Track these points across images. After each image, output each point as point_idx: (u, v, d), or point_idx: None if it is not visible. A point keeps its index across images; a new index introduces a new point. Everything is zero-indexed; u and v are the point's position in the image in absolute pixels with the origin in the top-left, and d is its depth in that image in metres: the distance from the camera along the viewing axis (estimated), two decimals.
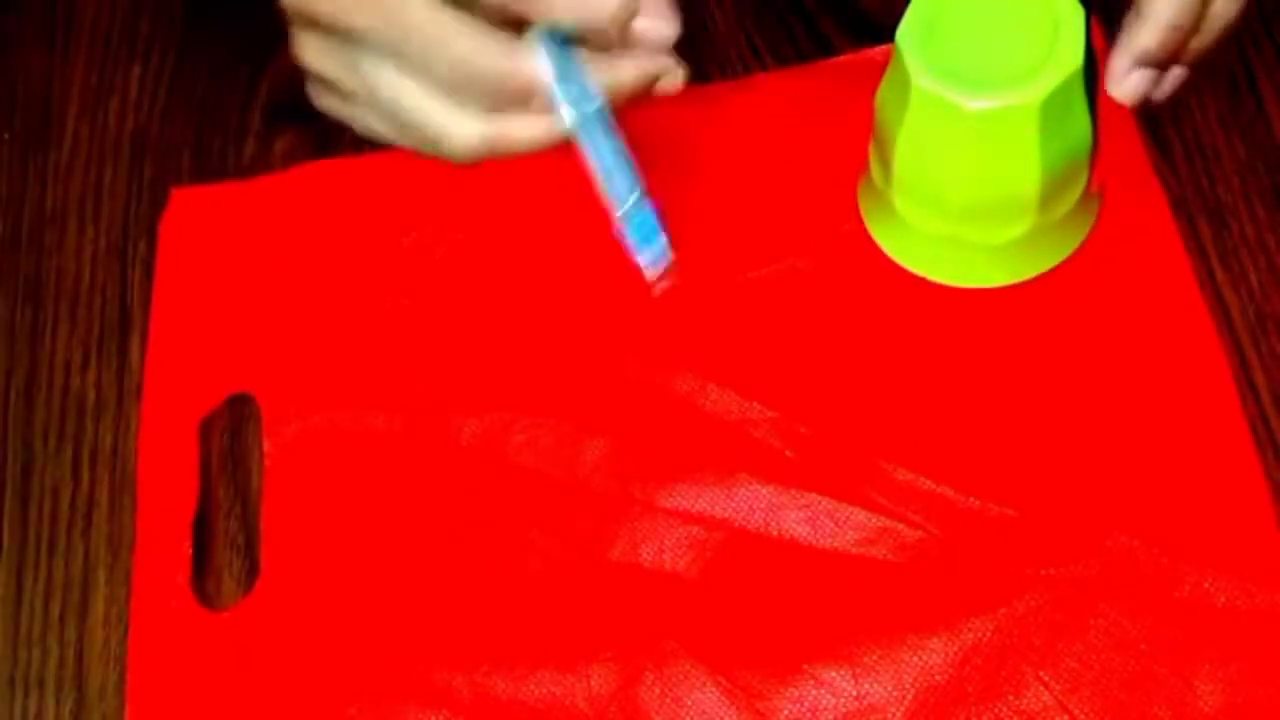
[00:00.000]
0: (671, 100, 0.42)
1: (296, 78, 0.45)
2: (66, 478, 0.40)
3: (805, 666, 0.34)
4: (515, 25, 0.33)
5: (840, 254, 0.39)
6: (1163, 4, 0.35)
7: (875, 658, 0.34)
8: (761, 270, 0.39)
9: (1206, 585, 0.34)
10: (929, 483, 0.36)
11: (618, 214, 0.35)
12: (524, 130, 0.35)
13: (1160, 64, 0.36)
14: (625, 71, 0.34)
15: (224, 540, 0.38)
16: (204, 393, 0.40)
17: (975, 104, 0.34)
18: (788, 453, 0.37)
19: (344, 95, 0.36)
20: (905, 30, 0.35)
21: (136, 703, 0.36)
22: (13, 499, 0.40)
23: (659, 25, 0.34)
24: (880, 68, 0.37)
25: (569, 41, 0.33)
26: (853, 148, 0.40)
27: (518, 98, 0.34)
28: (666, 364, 0.38)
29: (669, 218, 0.41)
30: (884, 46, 0.41)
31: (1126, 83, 0.36)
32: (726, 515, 0.36)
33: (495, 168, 0.42)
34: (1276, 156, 0.39)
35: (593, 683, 0.35)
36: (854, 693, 0.34)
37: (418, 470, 0.38)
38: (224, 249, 0.42)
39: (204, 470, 0.39)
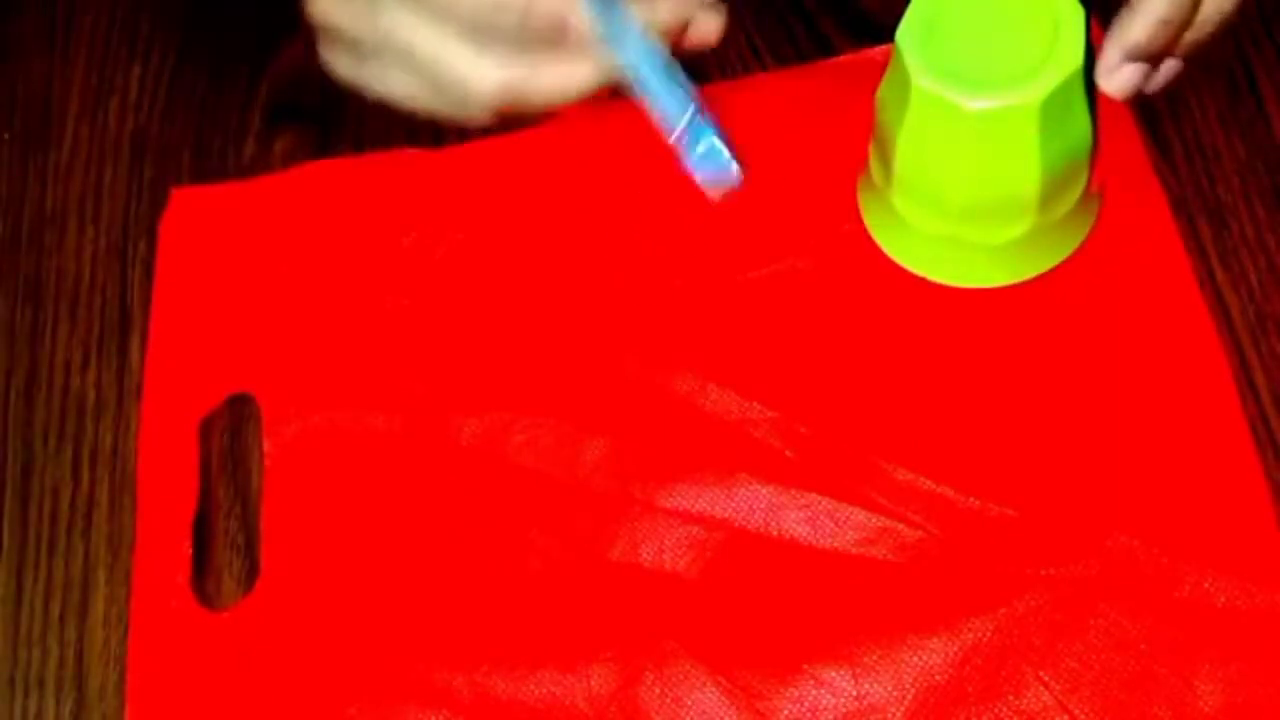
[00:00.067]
0: None
1: (296, 78, 0.46)
2: (66, 478, 0.40)
3: (805, 666, 0.34)
4: None
5: (840, 254, 0.39)
6: None
7: (875, 658, 0.34)
8: (761, 270, 0.39)
9: (1206, 585, 0.34)
10: (929, 483, 0.36)
11: (674, 135, 0.34)
12: (550, 76, 0.33)
13: (1151, 58, 0.36)
14: (662, 10, 0.33)
15: (224, 540, 0.38)
16: (204, 393, 0.40)
17: (975, 104, 0.34)
18: (788, 453, 0.37)
19: (358, 50, 0.34)
20: (905, 30, 0.35)
21: (136, 703, 0.36)
22: (13, 499, 0.40)
23: None
24: (880, 68, 0.37)
25: None
26: (853, 148, 0.40)
27: (546, 33, 0.32)
28: (666, 364, 0.38)
29: (669, 217, 0.41)
30: (884, 46, 0.41)
31: (1118, 76, 0.36)
32: (726, 515, 0.36)
33: (495, 168, 0.42)
34: (1276, 156, 0.39)
35: (593, 683, 0.35)
36: (854, 693, 0.34)
37: (418, 470, 0.38)
38: (224, 249, 0.42)
39: (204, 470, 0.39)
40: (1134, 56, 0.36)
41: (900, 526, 0.35)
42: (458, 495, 0.38)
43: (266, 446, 0.39)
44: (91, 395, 0.41)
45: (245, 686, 0.36)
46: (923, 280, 0.38)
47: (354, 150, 0.44)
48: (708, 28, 0.34)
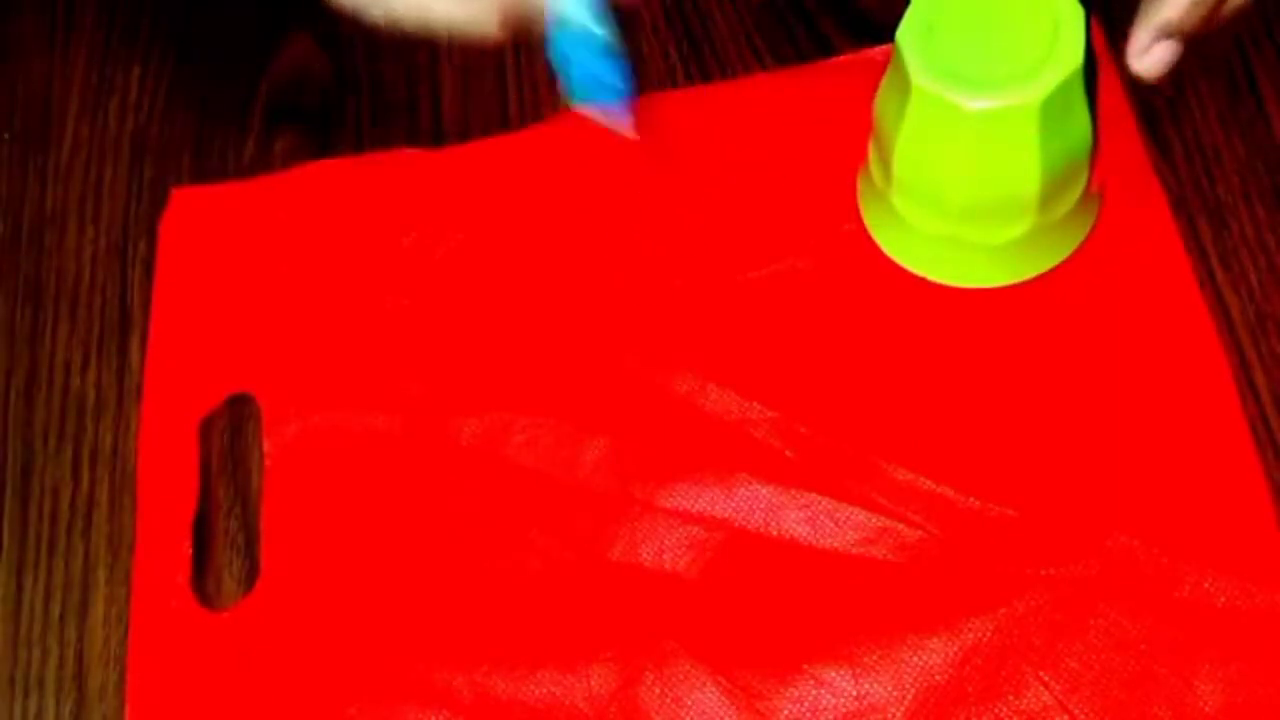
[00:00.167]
0: (671, 100, 0.42)
1: (296, 78, 0.46)
2: (66, 478, 0.40)
3: (805, 666, 0.34)
4: None
5: (840, 254, 0.39)
6: None
7: (875, 658, 0.34)
8: (761, 270, 0.39)
9: (1206, 585, 0.34)
10: (929, 483, 0.36)
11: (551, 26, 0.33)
12: None
13: (1185, 34, 0.36)
14: None
15: (224, 540, 0.38)
16: (204, 393, 0.40)
17: (975, 104, 0.34)
18: (788, 453, 0.37)
19: None
20: (905, 30, 0.35)
21: (136, 703, 0.36)
22: (13, 499, 0.40)
23: None
24: (880, 68, 0.37)
25: None
26: (853, 148, 0.40)
27: None
28: (666, 364, 0.38)
29: (669, 217, 0.41)
30: (884, 46, 0.41)
31: (1149, 57, 0.36)
32: (726, 515, 0.36)
33: (495, 168, 0.42)
34: (1276, 156, 0.39)
35: (593, 683, 0.35)
36: (854, 693, 0.34)
37: (418, 470, 0.38)
38: (224, 249, 0.42)
39: (204, 470, 0.39)
40: (1166, 34, 0.35)
41: (900, 526, 0.35)
42: (458, 495, 0.38)
43: (266, 446, 0.39)
44: (91, 395, 0.41)
45: (245, 686, 0.36)
46: (923, 280, 0.38)
47: (354, 150, 0.44)
48: None
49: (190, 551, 0.38)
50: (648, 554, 0.36)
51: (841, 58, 0.42)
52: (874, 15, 0.43)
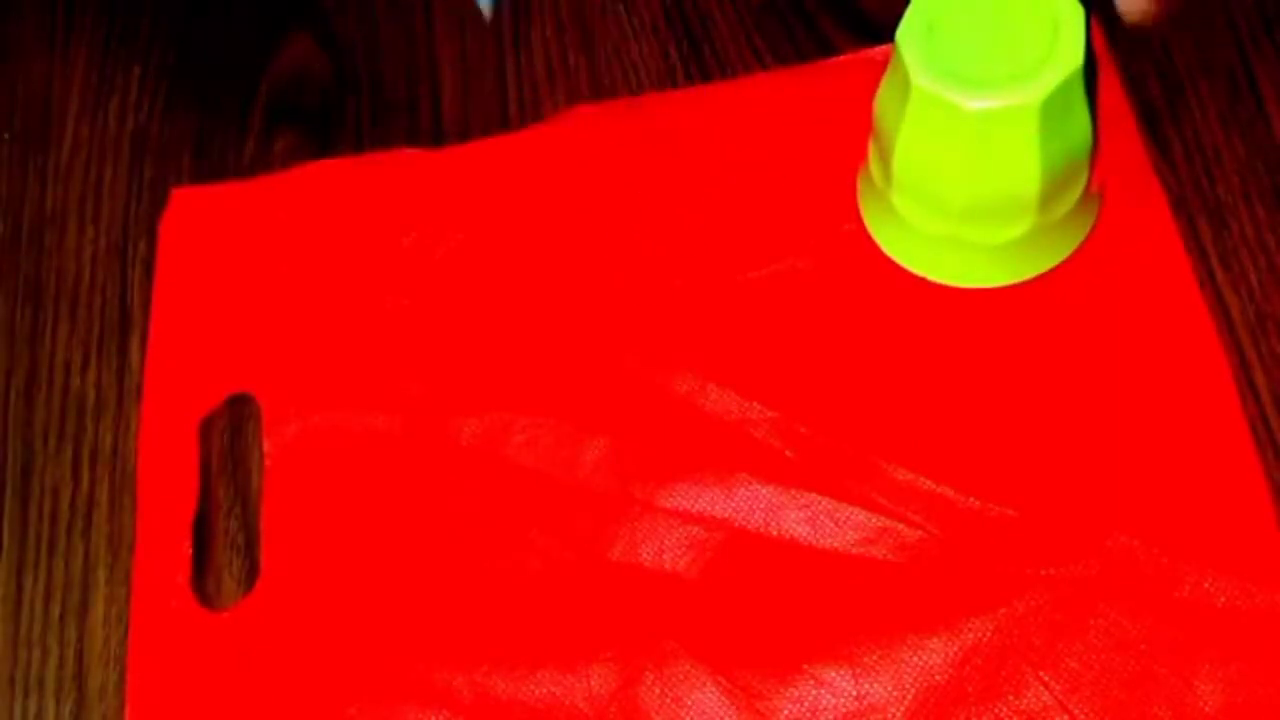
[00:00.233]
0: (671, 100, 0.42)
1: (296, 78, 0.46)
2: (66, 478, 0.40)
3: (805, 666, 0.34)
4: None
5: (840, 254, 0.39)
6: None
7: (875, 658, 0.34)
8: (761, 270, 0.39)
9: (1206, 585, 0.34)
10: (929, 483, 0.36)
11: None
12: None
13: None
14: None
15: (224, 540, 0.38)
16: (204, 393, 0.40)
17: (975, 104, 0.34)
18: (788, 453, 0.37)
19: None
20: (905, 30, 0.35)
21: (136, 703, 0.36)
22: (13, 499, 0.40)
23: None
24: (880, 68, 0.37)
25: None
26: (853, 148, 0.40)
27: None
28: (666, 364, 0.38)
29: (669, 217, 0.41)
30: (884, 46, 0.41)
31: None
32: (726, 515, 0.36)
33: (495, 168, 0.42)
34: (1276, 156, 0.39)
35: (593, 683, 0.35)
36: (854, 693, 0.34)
37: (418, 470, 0.38)
38: (224, 249, 0.42)
39: (204, 470, 0.39)
40: None
41: (900, 526, 0.35)
42: (458, 495, 0.38)
43: (266, 446, 0.39)
44: (91, 395, 0.41)
45: (245, 686, 0.36)
46: (923, 280, 0.38)
47: (354, 150, 0.44)
48: None
49: (190, 551, 0.38)
50: (648, 554, 0.36)
51: (841, 58, 0.42)
52: (874, 15, 0.43)
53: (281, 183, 0.43)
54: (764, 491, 0.36)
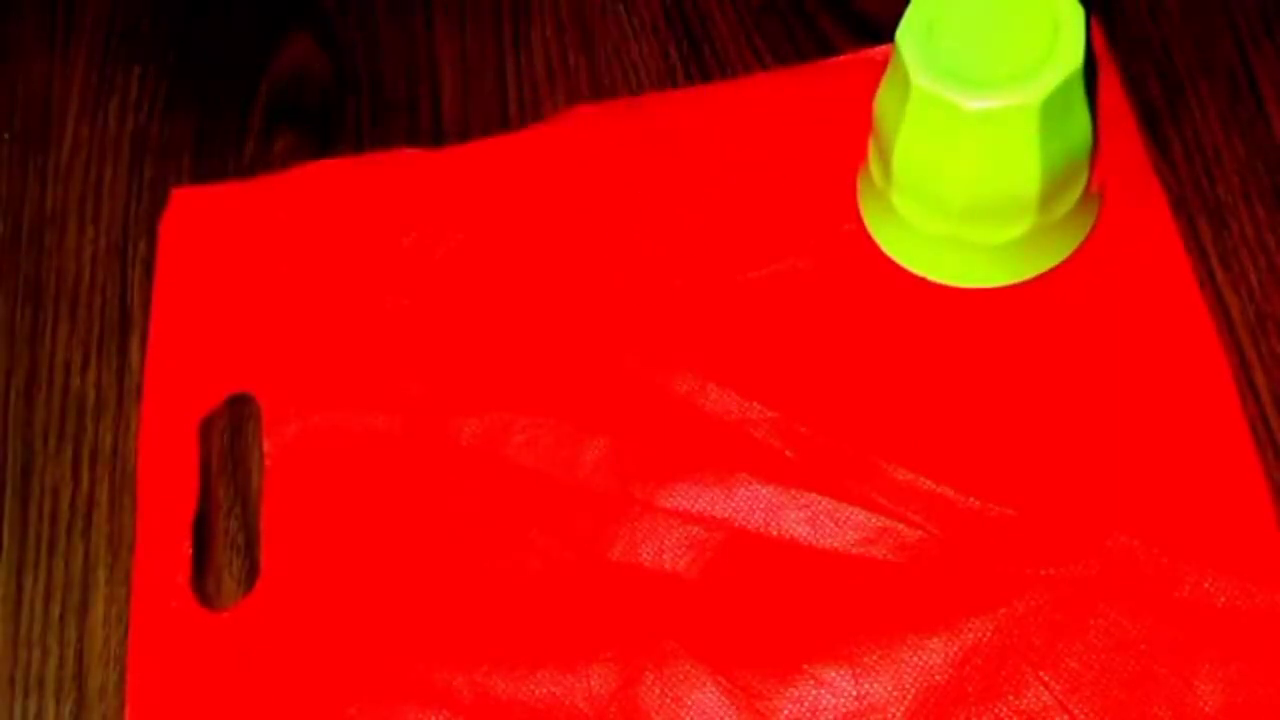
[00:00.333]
0: (671, 100, 0.42)
1: (296, 78, 0.46)
2: (66, 478, 0.40)
3: (805, 666, 0.34)
4: None
5: (840, 254, 0.39)
6: None
7: (875, 658, 0.34)
8: (761, 270, 0.39)
9: (1206, 585, 0.34)
10: (929, 483, 0.36)
11: None
12: None
13: None
14: None
15: (224, 540, 0.38)
16: (204, 393, 0.40)
17: (975, 104, 0.34)
18: (788, 453, 0.37)
19: None
20: (905, 30, 0.35)
21: (136, 703, 0.36)
22: (13, 499, 0.40)
23: None
24: (880, 68, 0.37)
25: None
26: (853, 148, 0.40)
27: None
28: (666, 364, 0.38)
29: (669, 217, 0.41)
30: (884, 46, 0.41)
31: None
32: (726, 515, 0.36)
33: (495, 168, 0.42)
34: (1276, 156, 0.39)
35: (593, 683, 0.35)
36: (854, 693, 0.34)
37: (418, 470, 0.38)
38: (224, 249, 0.42)
39: (204, 470, 0.39)
40: None
41: (900, 526, 0.35)
42: (458, 495, 0.38)
43: (266, 446, 0.39)
44: (91, 395, 0.41)
45: (245, 686, 0.36)
46: (923, 280, 0.38)
47: (354, 150, 0.44)
48: None
49: (190, 551, 0.38)
50: (648, 554, 0.36)
51: (841, 58, 0.42)
52: (874, 15, 0.43)
53: (281, 183, 0.43)
54: (764, 491, 0.36)
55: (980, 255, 0.38)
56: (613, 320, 0.39)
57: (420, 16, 0.46)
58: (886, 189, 0.37)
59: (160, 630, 0.37)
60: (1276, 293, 0.38)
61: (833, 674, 0.34)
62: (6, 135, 0.46)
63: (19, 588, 0.39)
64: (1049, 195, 0.36)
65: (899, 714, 0.33)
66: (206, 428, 0.40)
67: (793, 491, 0.36)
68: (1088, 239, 0.38)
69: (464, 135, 0.43)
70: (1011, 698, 0.33)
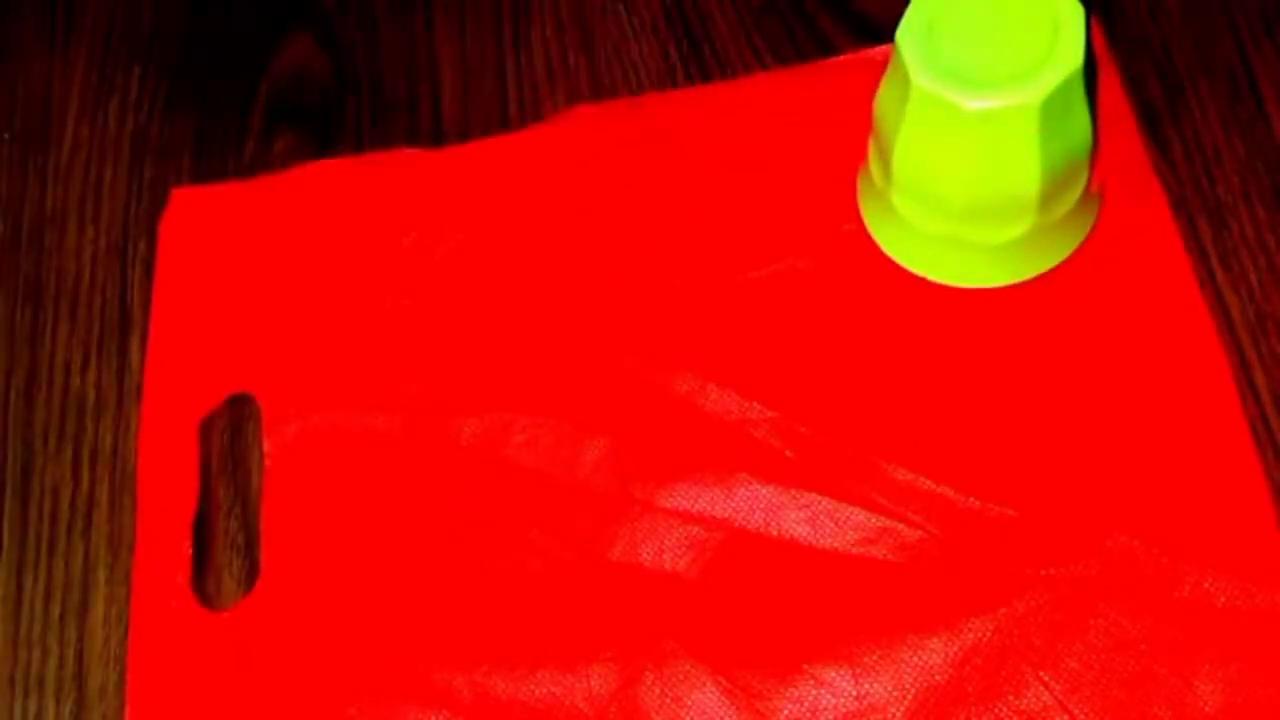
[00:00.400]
0: (671, 100, 0.42)
1: (296, 78, 0.46)
2: (66, 478, 0.40)
3: (805, 666, 0.34)
4: None
5: (840, 254, 0.39)
6: None
7: (875, 658, 0.34)
8: (761, 270, 0.39)
9: (1206, 585, 0.34)
10: (929, 483, 0.36)
11: None
12: None
13: None
14: None
15: (224, 540, 0.38)
16: (204, 393, 0.40)
17: (975, 104, 0.34)
18: (788, 453, 0.37)
19: None
20: (905, 30, 0.35)
21: (136, 703, 0.36)
22: (13, 499, 0.40)
23: None
24: (880, 68, 0.37)
25: None
26: (853, 148, 0.40)
27: None
28: (666, 364, 0.38)
29: (669, 217, 0.41)
30: (884, 46, 0.41)
31: None
32: (726, 515, 0.36)
33: (495, 168, 0.42)
34: (1276, 156, 0.39)
35: (593, 683, 0.35)
36: (854, 693, 0.34)
37: (418, 470, 0.38)
38: (224, 249, 0.42)
39: (204, 470, 0.39)
40: None
41: (900, 526, 0.35)
42: (458, 495, 0.38)
43: (266, 446, 0.39)
44: (91, 395, 0.41)
45: (245, 686, 0.36)
46: (923, 280, 0.38)
47: (354, 150, 0.44)
48: None
49: (190, 551, 0.38)
50: (648, 554, 0.36)
51: (841, 58, 0.42)
52: (874, 15, 0.43)
53: (281, 183, 0.43)
54: (764, 491, 0.36)
55: (980, 255, 0.38)
56: (613, 320, 0.39)
57: (420, 16, 0.46)
58: (886, 189, 0.37)
59: (160, 630, 0.37)
60: (1276, 293, 0.38)
61: (833, 674, 0.34)
62: (6, 135, 0.46)
63: (19, 588, 0.39)
64: (1049, 195, 0.36)
65: (899, 714, 0.33)
66: (206, 428, 0.40)
67: (793, 491, 0.36)
68: (1088, 239, 0.38)
69: (464, 135, 0.43)
70: (1011, 698, 0.33)
